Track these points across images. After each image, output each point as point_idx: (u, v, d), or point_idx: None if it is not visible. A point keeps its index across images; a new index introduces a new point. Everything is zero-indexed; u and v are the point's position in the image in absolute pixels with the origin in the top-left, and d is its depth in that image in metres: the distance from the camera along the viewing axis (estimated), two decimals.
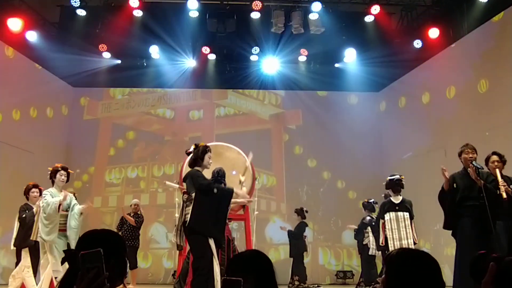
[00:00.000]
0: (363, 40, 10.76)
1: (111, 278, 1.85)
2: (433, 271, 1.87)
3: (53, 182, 6.08)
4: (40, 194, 7.06)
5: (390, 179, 7.18)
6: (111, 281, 1.87)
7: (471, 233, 5.04)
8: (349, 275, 11.37)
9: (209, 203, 4.94)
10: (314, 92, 12.64)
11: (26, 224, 6.69)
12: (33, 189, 7.08)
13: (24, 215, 6.82)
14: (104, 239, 1.99)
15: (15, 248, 6.91)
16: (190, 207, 4.98)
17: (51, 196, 5.88)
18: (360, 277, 9.36)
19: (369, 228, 8.95)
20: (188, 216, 4.95)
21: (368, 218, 9.06)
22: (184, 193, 5.37)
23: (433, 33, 9.85)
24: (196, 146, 5.39)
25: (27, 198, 7.10)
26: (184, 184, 5.34)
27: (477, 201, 5.04)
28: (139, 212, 9.48)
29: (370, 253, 8.89)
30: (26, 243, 6.67)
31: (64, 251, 1.93)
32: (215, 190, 4.98)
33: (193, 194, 5.00)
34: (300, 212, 10.05)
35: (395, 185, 7.07)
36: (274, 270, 2.04)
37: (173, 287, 6.41)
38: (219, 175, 5.98)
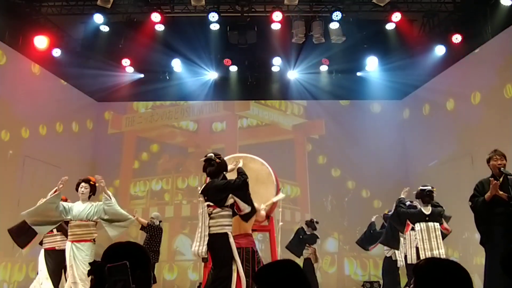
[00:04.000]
0: (384, 48, 10.68)
1: None
2: (464, 281, 1.83)
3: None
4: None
5: (421, 189, 7.02)
6: None
7: (501, 241, 4.92)
8: (376, 285, 11.20)
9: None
10: (336, 101, 12.59)
11: None
12: None
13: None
14: (130, 251, 2.01)
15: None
16: (217, 220, 5.18)
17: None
18: None
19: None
20: (216, 228, 5.14)
21: None
22: (209, 206, 5.37)
23: (456, 39, 9.72)
24: (220, 158, 5.48)
25: None
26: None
27: (507, 209, 4.93)
28: (156, 224, 9.22)
29: (398, 265, 8.69)
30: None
31: (90, 263, 1.95)
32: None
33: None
34: (310, 224, 9.85)
35: (425, 196, 6.94)
36: (308, 281, 1.99)
37: None
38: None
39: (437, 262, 1.91)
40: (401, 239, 7.85)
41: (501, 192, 4.99)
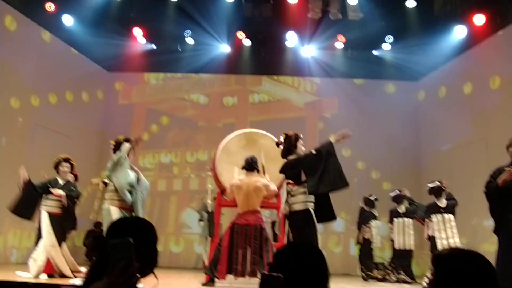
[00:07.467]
0: (403, 26, 10.40)
1: (142, 267, 1.79)
2: (488, 273, 1.72)
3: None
4: (72, 169, 6.84)
5: (431, 188, 7.66)
6: (142, 270, 1.81)
7: None
8: (381, 266, 11.16)
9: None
10: (351, 80, 12.35)
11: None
12: (63, 163, 6.74)
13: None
14: (136, 227, 1.94)
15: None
16: (298, 197, 5.15)
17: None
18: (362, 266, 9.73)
19: (372, 222, 9.51)
20: (298, 205, 5.11)
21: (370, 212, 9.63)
22: (289, 184, 5.31)
23: (479, 19, 9.40)
24: (286, 136, 5.58)
25: (58, 173, 6.75)
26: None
27: None
28: None
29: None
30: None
31: (93, 238, 1.86)
32: None
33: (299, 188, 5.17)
34: None
35: (436, 192, 7.64)
36: (327, 265, 1.89)
37: (204, 273, 6.39)
38: (253, 161, 5.97)
39: (459, 252, 1.80)
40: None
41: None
